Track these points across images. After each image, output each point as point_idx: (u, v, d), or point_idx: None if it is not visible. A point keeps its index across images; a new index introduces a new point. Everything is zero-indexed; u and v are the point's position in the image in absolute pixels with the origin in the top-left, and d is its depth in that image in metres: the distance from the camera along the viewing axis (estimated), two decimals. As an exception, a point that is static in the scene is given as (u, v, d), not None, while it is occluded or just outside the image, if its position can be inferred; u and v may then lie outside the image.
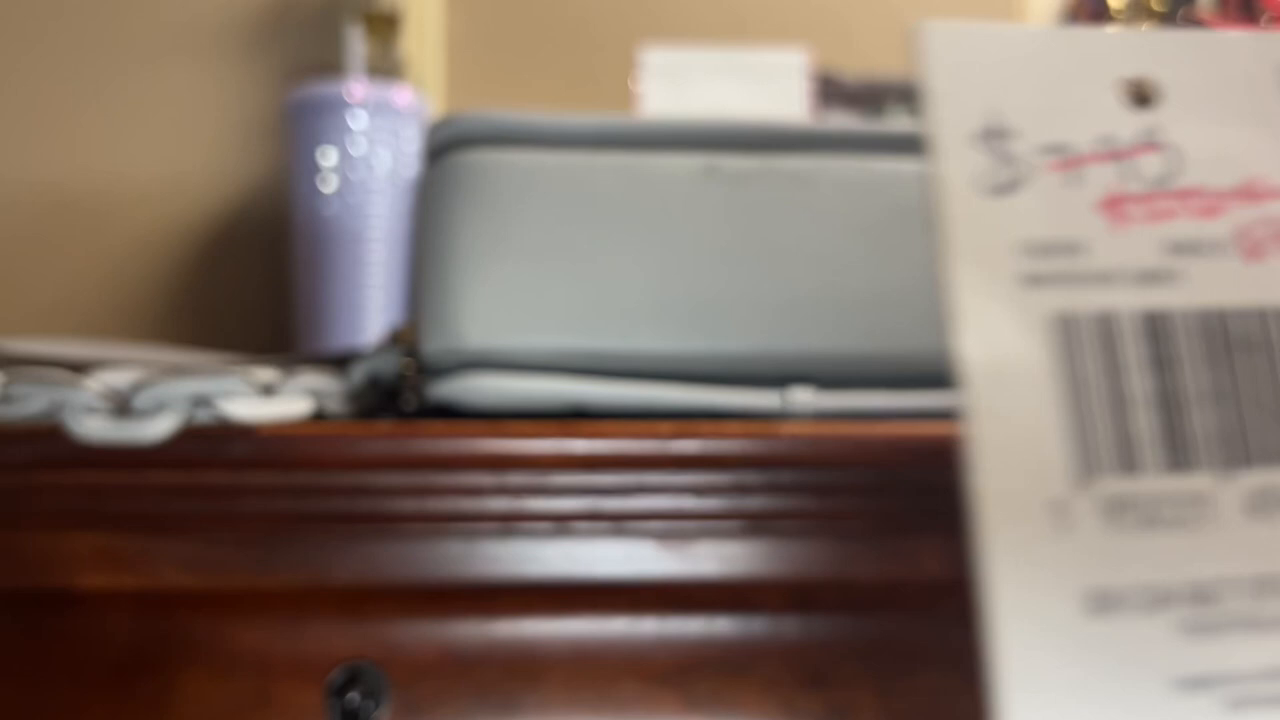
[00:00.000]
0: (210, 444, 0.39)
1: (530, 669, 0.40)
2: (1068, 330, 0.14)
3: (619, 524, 0.40)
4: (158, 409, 0.38)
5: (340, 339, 0.68)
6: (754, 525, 0.40)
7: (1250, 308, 0.14)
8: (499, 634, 0.41)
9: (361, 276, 0.68)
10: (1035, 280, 0.14)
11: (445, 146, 0.44)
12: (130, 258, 0.80)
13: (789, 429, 0.38)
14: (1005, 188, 0.14)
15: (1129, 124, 0.14)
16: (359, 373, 0.46)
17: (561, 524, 0.40)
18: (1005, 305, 0.13)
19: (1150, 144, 0.14)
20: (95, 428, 0.38)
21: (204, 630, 0.41)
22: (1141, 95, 0.14)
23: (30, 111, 0.81)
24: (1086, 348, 0.14)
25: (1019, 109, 0.14)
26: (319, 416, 0.42)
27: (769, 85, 0.75)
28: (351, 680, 0.40)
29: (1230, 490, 0.13)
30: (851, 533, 0.40)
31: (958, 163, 0.14)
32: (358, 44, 0.72)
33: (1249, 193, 0.14)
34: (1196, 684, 0.12)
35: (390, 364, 0.46)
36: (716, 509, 0.39)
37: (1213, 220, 0.14)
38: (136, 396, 0.38)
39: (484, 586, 0.40)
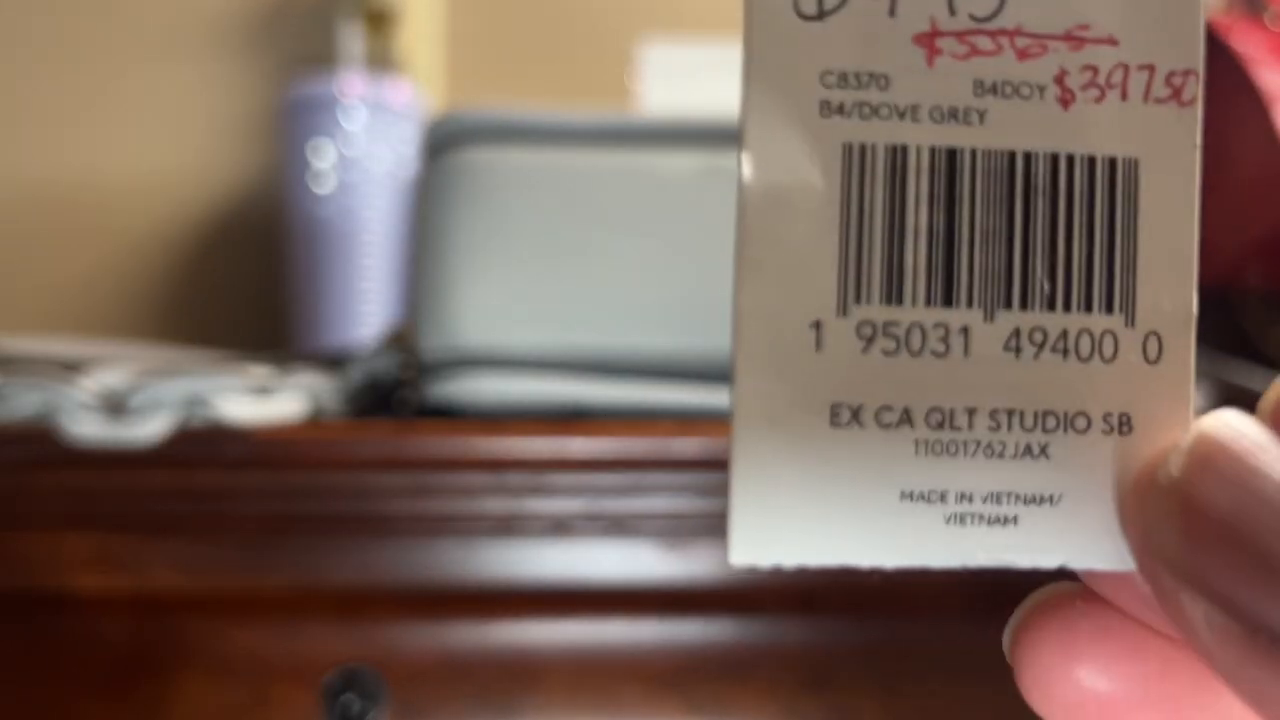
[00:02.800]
0: (206, 445, 0.38)
1: (529, 672, 0.40)
2: (860, 161, 0.14)
3: (618, 525, 0.39)
4: (152, 409, 0.38)
5: (335, 337, 0.67)
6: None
7: (1046, 152, 0.14)
8: (497, 637, 0.40)
9: (357, 274, 0.68)
10: (836, 109, 0.14)
11: (444, 144, 0.44)
12: (124, 254, 0.79)
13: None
14: (819, 12, 0.14)
15: None
16: (356, 372, 0.45)
17: (560, 525, 0.40)
18: (798, 130, 0.14)
19: None
20: (89, 429, 0.37)
21: (200, 632, 0.40)
22: None
23: (22, 109, 0.80)
24: (875, 179, 0.14)
25: None
26: (316, 416, 0.42)
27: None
28: (348, 683, 0.39)
29: (990, 328, 0.14)
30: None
31: None
32: (354, 40, 0.71)
33: (1072, 38, 0.14)
34: (923, 497, 0.13)
35: (388, 364, 0.45)
36: (717, 509, 0.39)
37: (1029, 62, 0.14)
38: (131, 397, 0.38)
39: (482, 588, 0.40)
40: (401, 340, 0.46)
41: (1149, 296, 0.14)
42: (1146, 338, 0.14)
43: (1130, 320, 0.14)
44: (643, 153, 0.43)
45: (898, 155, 0.14)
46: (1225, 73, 0.62)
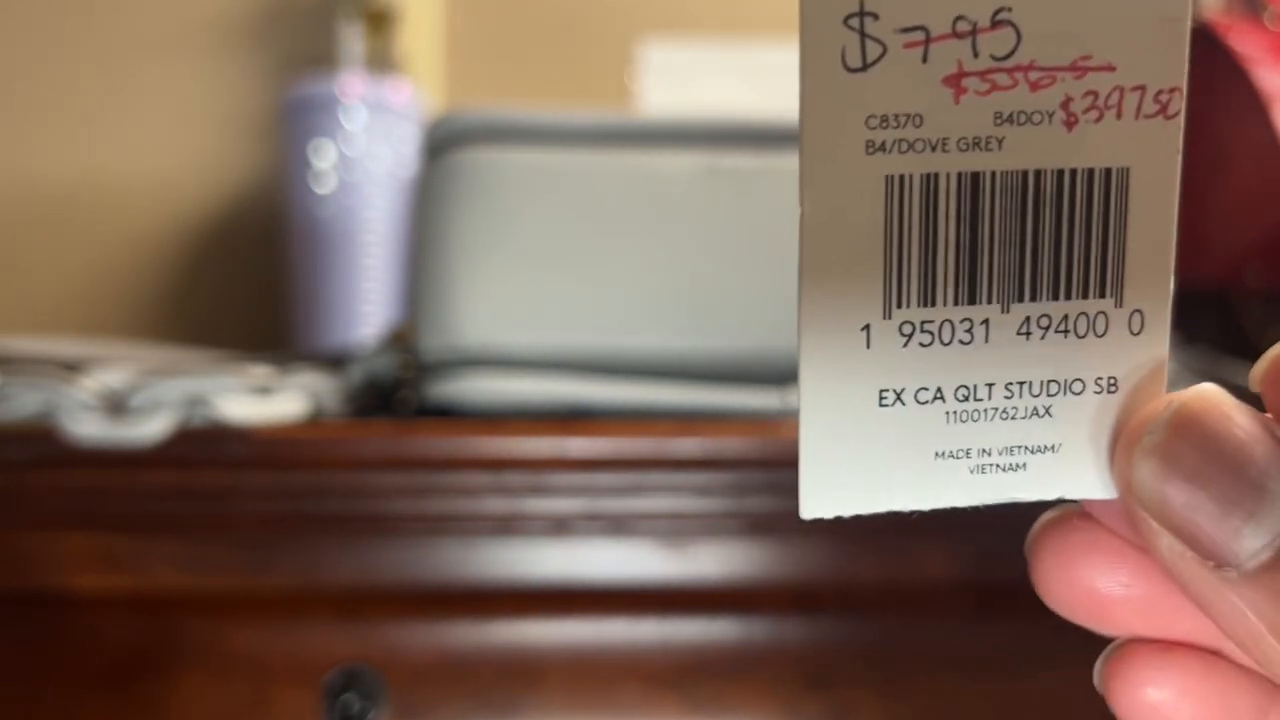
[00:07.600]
0: (207, 445, 0.38)
1: (529, 671, 0.40)
2: (899, 190, 0.16)
3: (618, 525, 0.40)
4: (153, 409, 0.38)
5: (335, 337, 0.67)
6: (754, 526, 0.39)
7: (1053, 169, 0.16)
8: (497, 636, 0.40)
9: (357, 274, 0.68)
10: (879, 146, 0.16)
11: (444, 144, 0.44)
12: (125, 254, 0.79)
13: (789, 429, 0.38)
14: (863, 64, 0.16)
15: (982, 8, 0.16)
16: (357, 372, 0.45)
17: (560, 525, 0.40)
18: (846, 168, 0.16)
19: (997, 24, 0.16)
20: (90, 429, 0.37)
21: (200, 632, 0.40)
22: None
23: (23, 109, 0.80)
24: (912, 204, 0.16)
25: None
26: (316, 416, 0.42)
27: (770, 82, 0.74)
28: (349, 682, 0.40)
29: (1006, 318, 0.16)
30: (853, 533, 0.40)
31: (823, 43, 0.16)
32: (355, 40, 0.71)
33: (1077, 68, 0.16)
34: (952, 455, 0.16)
35: (388, 364, 0.45)
36: (717, 509, 0.39)
37: (1040, 92, 0.16)
38: (132, 396, 0.38)
39: (482, 588, 0.40)
40: (401, 340, 0.46)
41: (1134, 280, 0.17)
42: (1131, 315, 0.17)
43: (1119, 301, 0.17)
44: (643, 153, 0.43)
45: (930, 182, 0.16)
46: (1225, 73, 0.62)
